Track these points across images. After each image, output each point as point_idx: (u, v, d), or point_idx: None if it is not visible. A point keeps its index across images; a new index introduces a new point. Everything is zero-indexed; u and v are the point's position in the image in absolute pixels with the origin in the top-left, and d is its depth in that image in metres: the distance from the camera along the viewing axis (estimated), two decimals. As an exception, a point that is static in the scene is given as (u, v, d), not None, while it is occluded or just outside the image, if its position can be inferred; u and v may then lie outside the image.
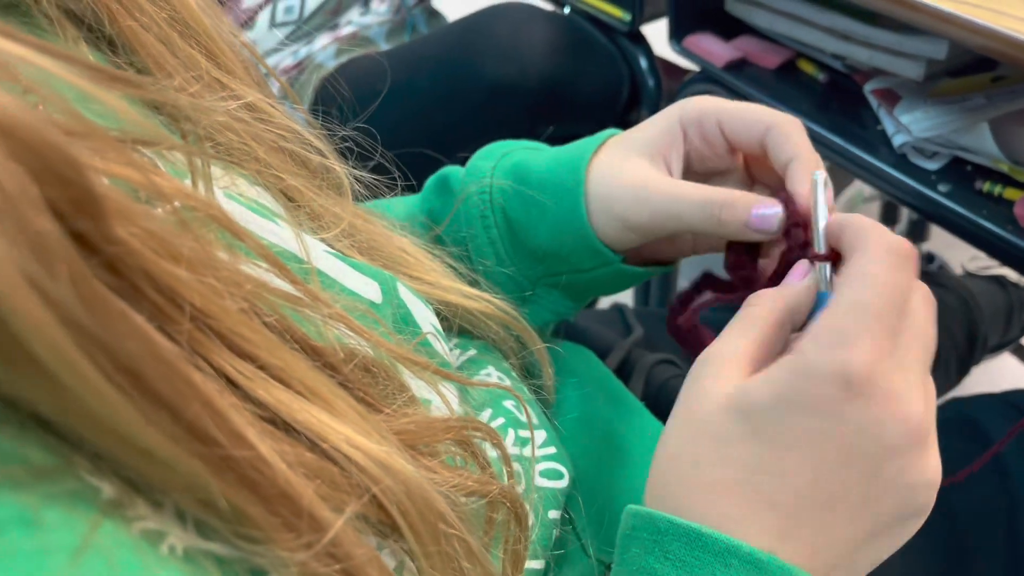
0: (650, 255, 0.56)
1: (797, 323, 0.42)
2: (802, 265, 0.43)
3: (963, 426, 0.74)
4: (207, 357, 0.26)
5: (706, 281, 0.52)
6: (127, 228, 0.23)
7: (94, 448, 0.23)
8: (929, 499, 0.38)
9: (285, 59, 1.14)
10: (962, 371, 1.06)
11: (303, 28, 1.15)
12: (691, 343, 0.50)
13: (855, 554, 0.38)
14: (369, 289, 0.42)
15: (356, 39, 1.15)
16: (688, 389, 0.40)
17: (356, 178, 0.45)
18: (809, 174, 0.46)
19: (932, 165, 0.80)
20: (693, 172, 0.53)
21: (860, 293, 0.37)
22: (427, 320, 0.45)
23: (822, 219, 0.44)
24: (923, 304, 0.39)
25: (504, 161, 0.55)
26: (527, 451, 0.48)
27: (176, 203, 0.27)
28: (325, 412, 0.29)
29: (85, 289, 0.21)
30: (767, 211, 0.46)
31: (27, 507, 0.21)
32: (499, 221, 0.54)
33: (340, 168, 0.44)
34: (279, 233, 0.38)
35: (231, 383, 0.26)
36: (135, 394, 0.22)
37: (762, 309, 0.41)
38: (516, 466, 0.46)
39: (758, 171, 0.53)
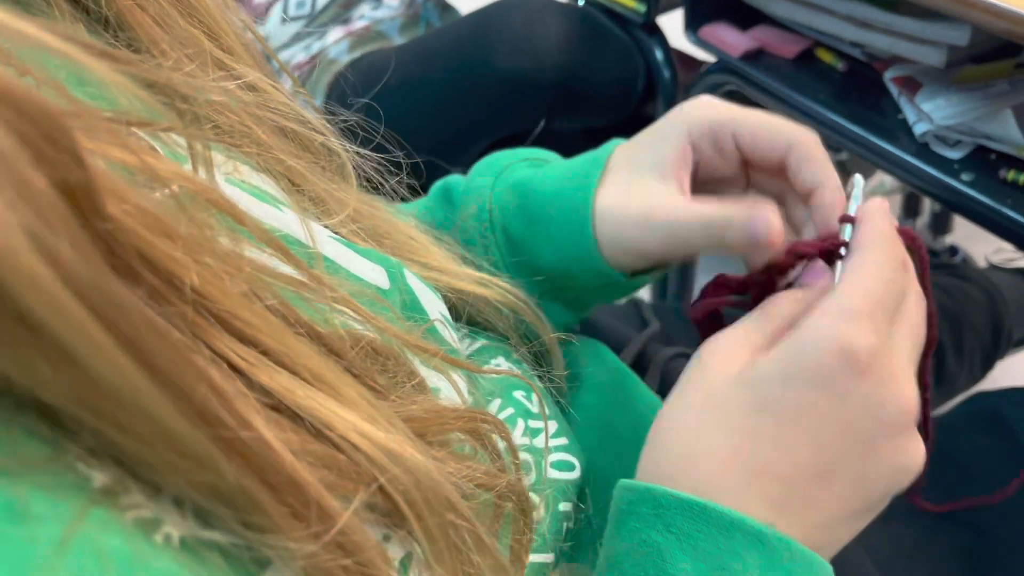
0: (661, 264, 0.54)
1: None
2: (819, 267, 0.44)
3: (988, 421, 0.73)
4: (208, 342, 0.25)
5: (720, 281, 0.51)
6: (120, 206, 0.22)
7: (94, 428, 0.22)
8: (909, 481, 0.40)
9: (298, 54, 1.13)
10: (987, 365, 1.04)
11: (315, 22, 1.15)
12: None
13: (839, 530, 0.39)
14: (375, 275, 0.41)
15: (369, 33, 1.14)
16: (693, 368, 0.41)
17: (359, 168, 0.45)
18: (836, 204, 0.45)
19: (955, 154, 0.78)
20: (697, 181, 0.52)
21: (866, 281, 0.39)
22: (435, 307, 0.45)
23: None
24: (915, 304, 0.41)
25: (506, 177, 0.54)
26: (538, 441, 0.47)
27: (174, 186, 0.26)
28: (331, 399, 0.28)
29: (86, 252, 0.20)
30: (763, 224, 0.45)
31: (13, 496, 0.21)
32: (500, 241, 0.53)
33: (343, 151, 0.43)
34: (282, 219, 0.37)
35: (234, 369, 0.26)
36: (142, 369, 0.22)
37: (779, 307, 0.42)
38: (527, 456, 0.45)
39: (758, 178, 0.52)
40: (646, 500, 0.38)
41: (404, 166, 0.46)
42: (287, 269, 0.31)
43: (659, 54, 1.11)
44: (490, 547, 0.32)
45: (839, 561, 0.58)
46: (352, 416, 0.28)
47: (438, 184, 0.58)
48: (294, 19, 1.15)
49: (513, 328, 0.51)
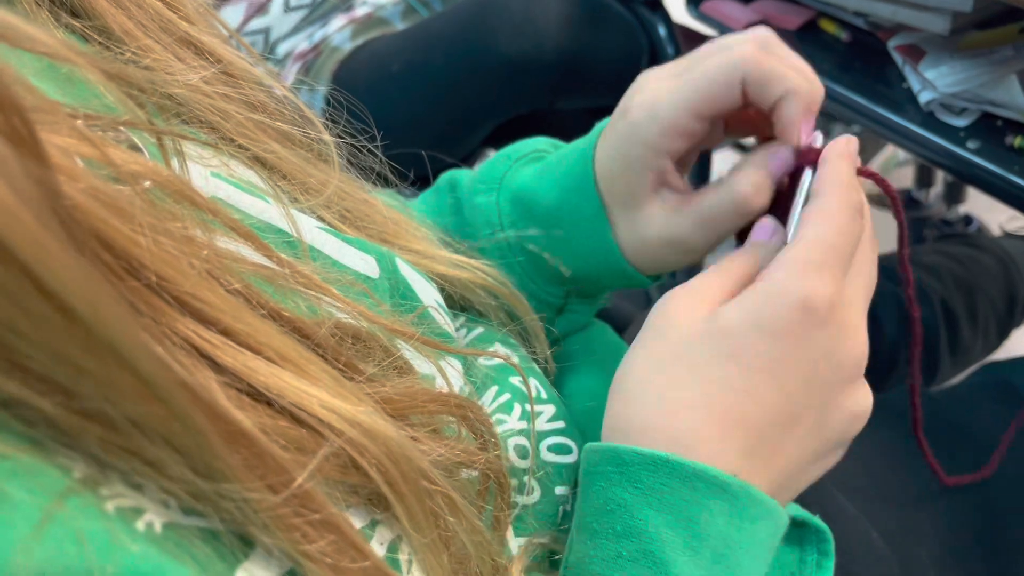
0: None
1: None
2: (767, 223, 0.45)
3: (997, 389, 0.72)
4: (169, 325, 0.25)
5: None
6: (73, 184, 0.23)
7: (65, 385, 0.22)
8: (859, 428, 0.42)
9: (301, 43, 1.13)
10: (1002, 334, 1.03)
11: (318, 11, 1.15)
12: None
13: (799, 475, 0.41)
14: (365, 264, 0.41)
15: (371, 20, 1.14)
16: (653, 320, 0.42)
17: (352, 151, 0.45)
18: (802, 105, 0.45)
19: (961, 122, 0.78)
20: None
21: (824, 231, 0.40)
22: (429, 295, 0.45)
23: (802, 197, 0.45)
24: (868, 249, 0.42)
25: (508, 183, 0.53)
26: (535, 426, 0.47)
27: (144, 181, 0.27)
28: (296, 376, 0.28)
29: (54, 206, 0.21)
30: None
31: None
32: (521, 259, 0.53)
33: (326, 134, 0.43)
34: (269, 211, 0.37)
35: (196, 350, 0.26)
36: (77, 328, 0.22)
37: (734, 263, 0.43)
38: (523, 440, 0.45)
39: (734, 124, 0.50)
40: (611, 459, 0.38)
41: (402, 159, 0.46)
42: (254, 255, 0.31)
43: (662, 30, 1.10)
44: (464, 511, 0.33)
45: (845, 535, 0.58)
46: (318, 391, 0.28)
47: (441, 181, 0.57)
48: (296, 8, 1.15)
49: (493, 308, 0.51)
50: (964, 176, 0.78)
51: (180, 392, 0.24)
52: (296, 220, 0.37)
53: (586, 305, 0.57)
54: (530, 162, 0.54)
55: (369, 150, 0.45)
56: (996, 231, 1.35)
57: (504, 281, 0.50)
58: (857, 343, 0.40)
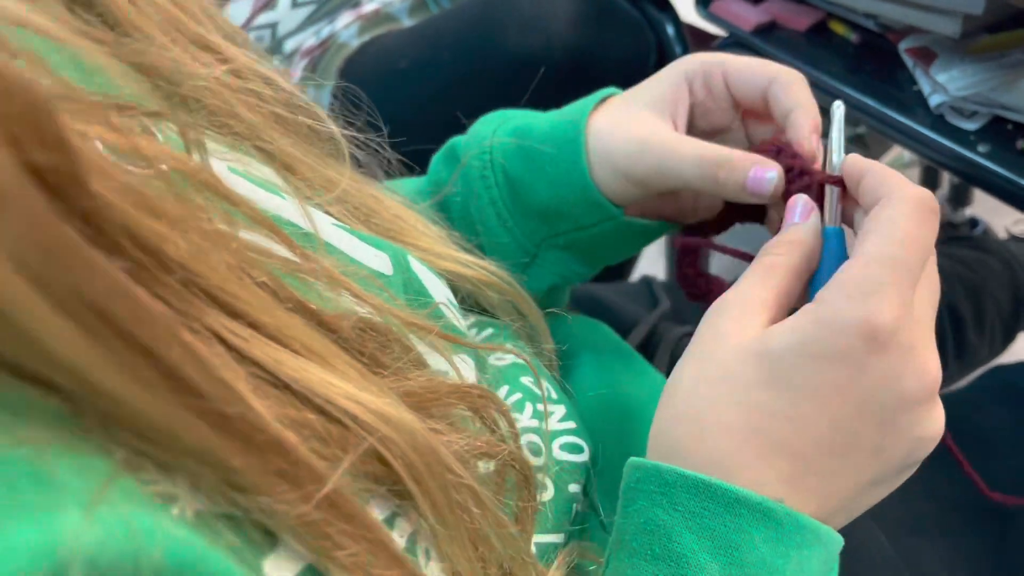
0: (653, 213, 0.55)
1: (812, 267, 0.42)
2: (801, 201, 0.43)
3: (1005, 392, 0.72)
4: (198, 317, 0.25)
5: (694, 228, 0.53)
6: (104, 183, 0.23)
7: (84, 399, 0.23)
8: (928, 452, 0.39)
9: (308, 39, 1.13)
10: (1008, 337, 1.03)
11: (325, 7, 1.14)
12: (700, 288, 0.52)
13: (857, 499, 0.39)
14: (379, 262, 0.41)
15: (378, 16, 1.14)
16: (704, 334, 0.40)
17: (358, 146, 0.45)
18: (809, 120, 0.46)
19: (971, 125, 0.77)
20: (696, 128, 0.52)
21: (888, 246, 0.37)
22: (441, 292, 0.45)
23: (837, 146, 0.44)
24: (933, 261, 0.40)
25: (506, 124, 0.55)
26: (547, 425, 0.47)
27: (163, 166, 0.27)
28: (323, 370, 0.28)
29: (45, 231, 0.20)
30: (764, 174, 0.45)
31: (41, 466, 0.21)
32: (499, 180, 0.54)
33: (335, 128, 0.43)
34: (285, 207, 0.37)
35: (224, 343, 0.26)
36: (111, 336, 0.22)
37: (780, 258, 0.41)
38: (536, 438, 0.45)
39: (757, 131, 0.52)
40: (652, 478, 0.38)
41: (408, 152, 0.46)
42: (278, 249, 0.31)
43: (671, 29, 1.10)
44: (490, 506, 0.33)
45: (853, 537, 0.58)
46: (344, 384, 0.28)
47: (444, 146, 0.59)
48: (303, 4, 1.15)
49: (500, 305, 0.51)
50: (974, 180, 0.77)
51: (214, 422, 0.24)
52: (312, 216, 0.37)
53: (556, 265, 0.56)
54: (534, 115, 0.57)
55: (379, 145, 0.45)
56: (1002, 234, 1.35)
57: (511, 280, 0.50)
58: (924, 367, 0.37)
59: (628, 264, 1.25)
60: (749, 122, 0.52)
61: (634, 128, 0.50)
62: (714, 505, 0.36)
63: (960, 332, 0.94)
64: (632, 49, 1.09)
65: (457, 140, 0.58)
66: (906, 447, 0.38)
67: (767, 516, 0.36)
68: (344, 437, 0.28)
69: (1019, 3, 0.66)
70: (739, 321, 0.39)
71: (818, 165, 0.46)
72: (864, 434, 0.37)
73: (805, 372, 0.37)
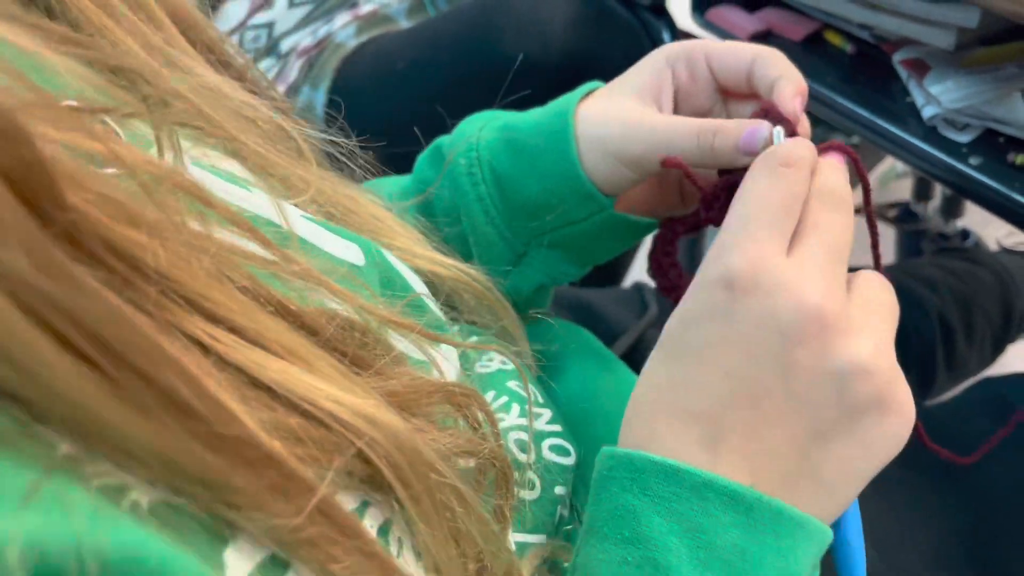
0: (640, 204, 0.55)
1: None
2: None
3: (994, 404, 0.72)
4: (178, 325, 0.25)
5: (670, 223, 0.53)
6: (80, 194, 0.23)
7: (59, 419, 0.23)
8: (870, 387, 0.37)
9: (305, 39, 1.13)
10: (997, 349, 1.04)
11: (322, 7, 1.14)
12: (670, 281, 0.52)
13: (806, 457, 0.38)
14: (350, 253, 0.41)
15: (376, 17, 1.14)
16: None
17: (341, 152, 0.45)
18: (793, 86, 0.47)
19: (963, 137, 0.78)
20: (680, 112, 0.53)
21: (737, 208, 0.40)
22: (421, 287, 0.45)
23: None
24: (828, 210, 0.39)
25: (492, 122, 0.55)
26: (535, 426, 0.48)
27: (140, 173, 0.27)
28: (305, 372, 0.28)
29: (40, 256, 0.20)
30: (756, 132, 0.46)
31: None
32: (487, 177, 0.54)
33: (296, 131, 0.43)
34: (253, 200, 0.37)
35: (205, 349, 0.26)
36: (104, 362, 0.22)
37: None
38: (524, 436, 0.45)
39: (737, 111, 0.53)
40: (624, 464, 0.38)
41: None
42: (256, 249, 0.31)
43: (666, 36, 1.10)
44: (473, 504, 0.33)
45: (835, 540, 0.58)
46: (327, 386, 0.28)
47: (430, 146, 0.59)
48: (300, 4, 1.15)
49: (480, 311, 0.51)
50: (965, 192, 0.78)
51: (208, 442, 0.24)
52: (285, 210, 0.37)
53: (545, 263, 0.56)
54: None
55: (362, 148, 0.45)
56: (993, 246, 1.35)
57: (488, 284, 0.49)
58: (797, 297, 0.36)
59: (620, 270, 1.25)
60: (730, 103, 0.53)
61: (623, 113, 0.50)
62: (681, 489, 0.37)
63: (950, 343, 0.95)
64: (628, 54, 1.09)
65: (442, 140, 0.58)
66: (825, 386, 0.37)
67: (734, 499, 0.36)
68: (327, 440, 0.28)
69: (1013, 17, 0.66)
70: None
71: (804, 130, 0.47)
72: (765, 380, 0.37)
73: (687, 338, 0.39)
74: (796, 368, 0.37)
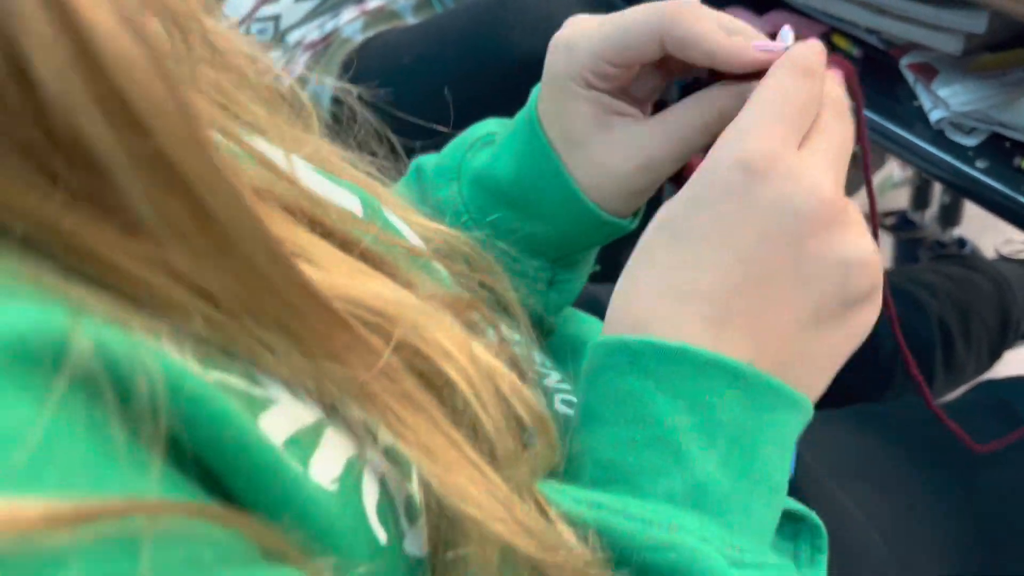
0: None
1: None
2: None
3: (995, 408, 0.73)
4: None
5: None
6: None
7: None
8: (867, 280, 0.39)
9: (311, 33, 1.13)
10: (994, 355, 1.05)
11: (329, 1, 1.15)
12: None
13: (803, 340, 0.39)
14: (351, 203, 0.41)
15: (383, 12, 1.14)
16: None
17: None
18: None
19: (970, 141, 0.78)
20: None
21: (762, 95, 0.40)
22: (413, 238, 0.45)
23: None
24: (835, 120, 0.41)
25: (464, 178, 0.53)
26: (547, 382, 0.48)
27: None
28: (350, 278, 0.31)
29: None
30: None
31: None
32: (499, 243, 0.51)
33: (306, 99, 0.44)
34: (265, 148, 0.38)
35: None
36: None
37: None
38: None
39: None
40: (621, 351, 0.38)
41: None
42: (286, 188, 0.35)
43: (673, 38, 1.11)
44: (512, 391, 0.35)
45: (846, 534, 0.59)
46: (373, 285, 0.32)
47: (410, 169, 0.58)
48: (308, -3, 1.15)
49: (472, 282, 0.50)
50: (971, 195, 0.79)
51: (294, 288, 0.27)
52: (293, 160, 0.38)
53: (574, 272, 0.56)
54: (484, 146, 0.55)
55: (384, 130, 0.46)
56: (990, 255, 1.37)
57: (481, 253, 0.48)
58: (814, 187, 0.38)
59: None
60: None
61: (615, 163, 0.49)
62: (684, 367, 0.37)
63: (949, 346, 0.95)
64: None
65: (421, 164, 0.56)
66: (832, 274, 0.38)
67: (738, 377, 0.37)
68: (382, 325, 0.30)
69: (1022, 21, 0.67)
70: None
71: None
72: (775, 262, 0.38)
73: (698, 219, 0.38)
74: (807, 253, 0.38)
